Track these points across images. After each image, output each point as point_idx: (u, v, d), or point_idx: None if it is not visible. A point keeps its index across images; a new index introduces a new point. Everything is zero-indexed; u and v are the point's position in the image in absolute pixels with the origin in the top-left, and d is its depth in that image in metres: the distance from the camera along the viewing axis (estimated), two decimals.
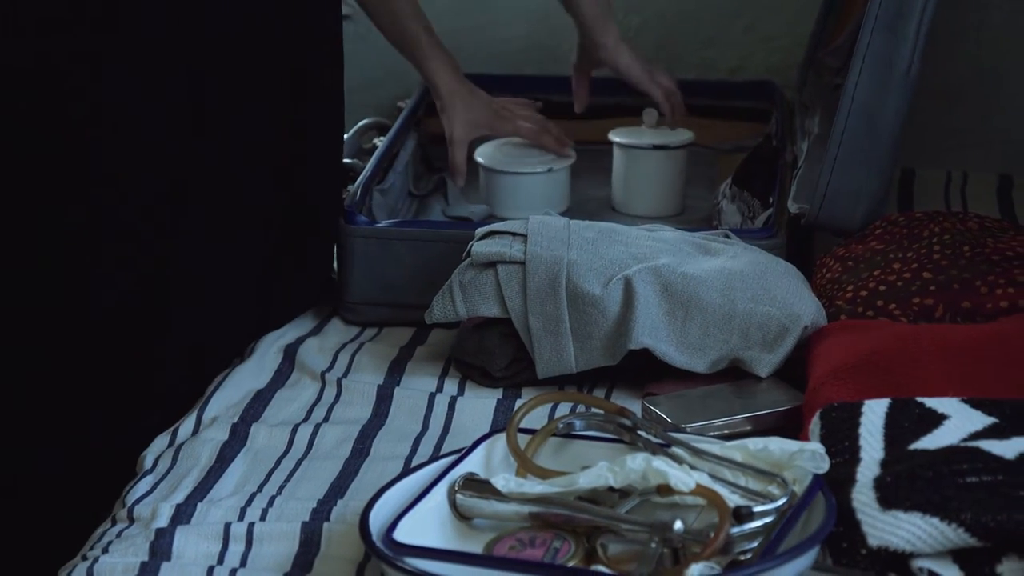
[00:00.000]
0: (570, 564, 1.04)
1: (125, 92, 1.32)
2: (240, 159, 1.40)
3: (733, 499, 1.05)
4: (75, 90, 1.32)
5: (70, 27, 1.30)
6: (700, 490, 1.05)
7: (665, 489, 1.07)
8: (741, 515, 1.02)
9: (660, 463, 1.07)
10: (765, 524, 1.03)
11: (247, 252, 1.44)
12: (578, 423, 1.18)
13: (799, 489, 1.06)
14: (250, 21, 1.37)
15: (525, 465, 1.14)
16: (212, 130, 1.37)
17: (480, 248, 1.40)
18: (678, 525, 1.02)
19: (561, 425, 1.17)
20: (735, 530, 1.02)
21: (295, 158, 1.45)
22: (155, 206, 1.36)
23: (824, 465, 1.07)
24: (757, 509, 1.03)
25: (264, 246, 1.45)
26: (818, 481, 1.06)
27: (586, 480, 1.08)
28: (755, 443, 1.10)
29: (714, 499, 1.04)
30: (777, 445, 1.09)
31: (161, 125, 1.34)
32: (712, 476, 1.08)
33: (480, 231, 1.44)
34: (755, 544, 1.02)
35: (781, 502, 1.04)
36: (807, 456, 1.08)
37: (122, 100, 1.33)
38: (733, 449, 1.10)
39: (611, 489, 1.09)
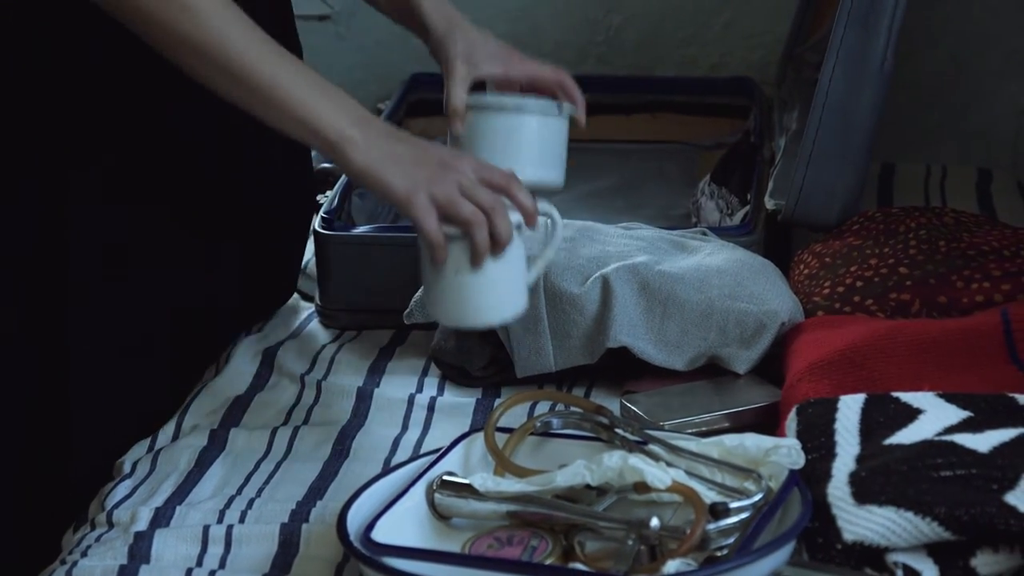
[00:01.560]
0: (547, 562, 1.05)
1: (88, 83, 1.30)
2: (211, 161, 1.39)
3: (709, 495, 1.06)
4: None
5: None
6: (676, 487, 1.06)
7: (642, 486, 1.07)
8: (717, 511, 1.03)
9: (636, 461, 1.07)
10: (741, 520, 1.03)
11: (218, 253, 1.43)
12: (555, 421, 1.18)
13: (775, 485, 1.07)
14: None
15: (503, 464, 1.14)
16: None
17: None
18: (654, 522, 1.02)
19: (538, 424, 1.18)
20: (711, 526, 1.02)
21: (262, 160, 1.44)
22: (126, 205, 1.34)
23: (800, 461, 1.08)
24: (733, 505, 1.03)
25: (234, 249, 1.44)
26: (794, 477, 1.07)
27: (563, 478, 1.09)
28: (731, 439, 1.10)
29: (690, 495, 1.05)
30: (753, 441, 1.10)
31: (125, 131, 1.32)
32: (689, 473, 1.08)
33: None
34: (731, 540, 1.02)
35: (757, 498, 1.05)
36: (783, 452, 1.08)
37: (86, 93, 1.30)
38: (710, 446, 1.11)
39: (588, 487, 1.10)
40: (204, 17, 1.12)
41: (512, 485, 1.10)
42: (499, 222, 1.16)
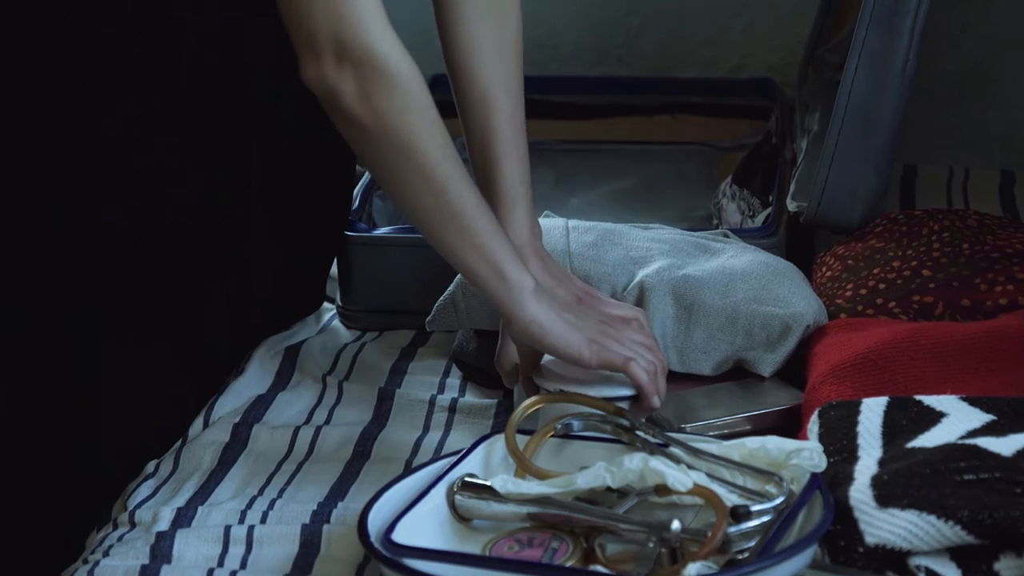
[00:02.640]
0: (568, 564, 1.04)
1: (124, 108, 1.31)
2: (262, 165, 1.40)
3: (731, 498, 1.06)
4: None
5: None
6: (697, 490, 1.05)
7: (663, 489, 1.07)
8: (739, 514, 1.03)
9: (657, 463, 1.07)
10: (762, 523, 1.03)
11: (256, 258, 1.43)
12: (576, 423, 1.18)
13: (797, 488, 1.06)
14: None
15: (523, 466, 1.14)
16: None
17: None
18: (675, 525, 1.02)
19: (559, 425, 1.17)
20: (732, 529, 1.02)
21: (308, 168, 1.45)
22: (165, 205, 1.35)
23: (822, 464, 1.07)
24: (755, 508, 1.03)
25: (272, 254, 1.45)
26: (816, 480, 1.06)
27: (584, 480, 1.08)
28: (753, 442, 1.10)
29: (711, 498, 1.04)
30: (775, 444, 1.09)
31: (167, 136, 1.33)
32: (710, 476, 1.08)
33: None
34: (752, 543, 1.02)
35: (779, 501, 1.04)
36: (805, 455, 1.08)
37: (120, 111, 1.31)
38: (731, 448, 1.10)
39: (609, 489, 1.09)
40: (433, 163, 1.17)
41: (533, 487, 1.10)
42: (659, 355, 1.21)
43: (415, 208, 1.18)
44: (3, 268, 1.33)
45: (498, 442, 1.17)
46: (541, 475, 1.12)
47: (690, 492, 1.05)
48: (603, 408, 1.19)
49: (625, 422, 1.16)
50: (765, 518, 1.03)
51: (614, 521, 1.06)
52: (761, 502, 1.04)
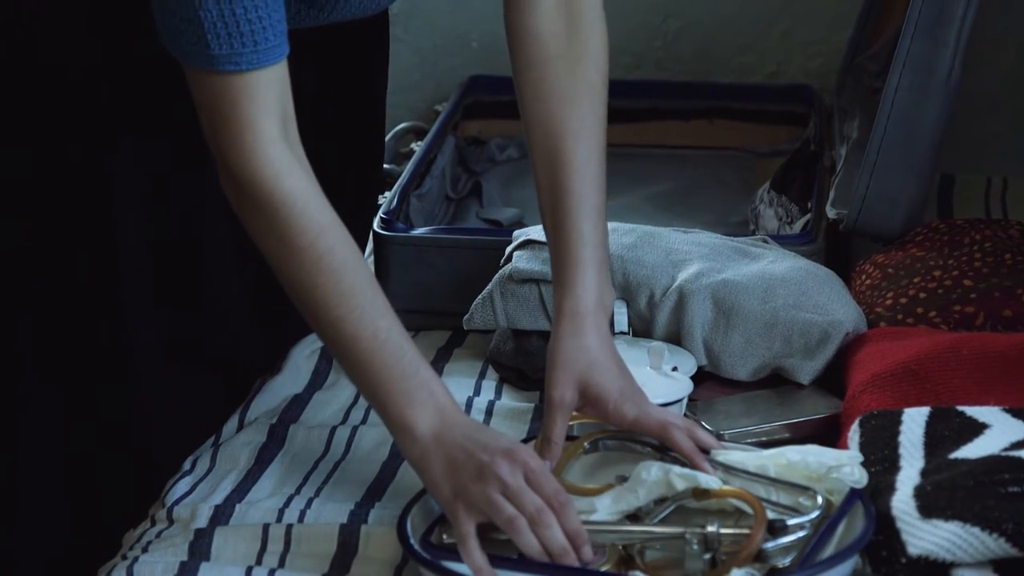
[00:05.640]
0: (603, 569, 1.04)
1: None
2: None
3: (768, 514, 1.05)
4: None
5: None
6: (735, 492, 1.05)
7: (700, 493, 1.06)
8: (775, 529, 1.02)
9: (683, 469, 1.07)
10: (799, 538, 1.02)
11: None
12: (607, 443, 1.17)
13: (837, 500, 1.06)
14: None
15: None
16: None
17: (521, 265, 1.40)
18: (712, 526, 1.02)
19: (587, 445, 1.17)
20: (770, 544, 1.01)
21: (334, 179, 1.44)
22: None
23: (863, 480, 1.07)
24: (791, 522, 1.03)
25: None
26: (856, 492, 1.06)
27: (607, 512, 1.08)
28: (793, 453, 1.09)
29: (748, 499, 1.04)
30: (815, 457, 1.08)
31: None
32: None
33: (517, 237, 1.44)
34: (790, 558, 1.02)
35: (814, 515, 1.04)
36: (846, 471, 1.07)
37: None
38: (770, 458, 1.10)
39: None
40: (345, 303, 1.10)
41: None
42: (542, 531, 1.04)
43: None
44: (29, 278, 1.32)
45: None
46: (573, 490, 1.11)
47: (729, 494, 1.05)
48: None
49: (656, 442, 1.15)
50: (801, 532, 1.02)
51: (647, 536, 1.05)
52: (796, 516, 1.04)
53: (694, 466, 1.10)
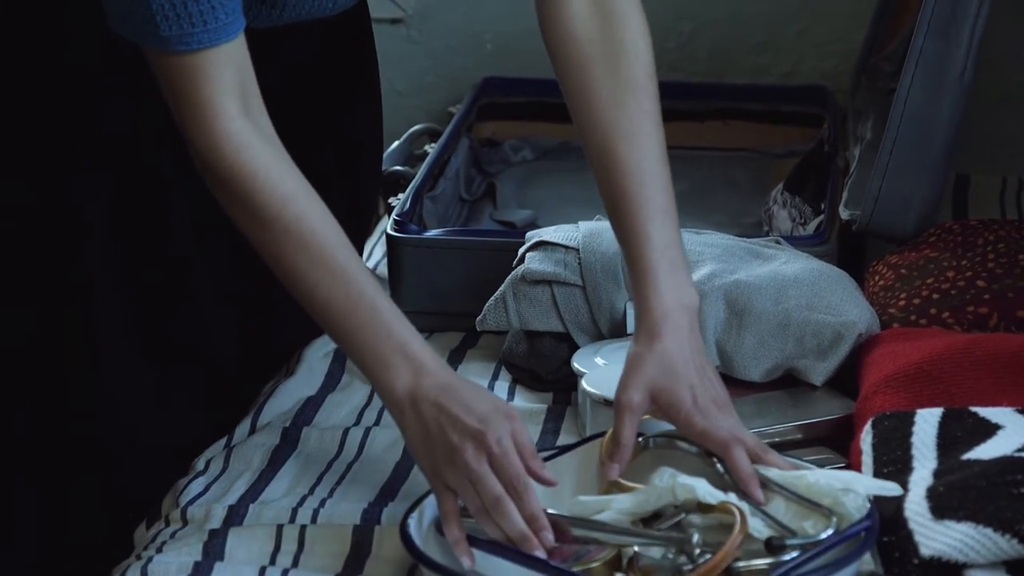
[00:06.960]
0: (597, 563, 1.04)
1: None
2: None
3: (765, 532, 1.05)
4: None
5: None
6: (725, 506, 1.05)
7: (705, 507, 1.07)
8: (772, 546, 1.02)
9: (687, 478, 1.07)
10: (782, 559, 1.01)
11: None
12: (658, 440, 1.17)
13: (843, 526, 1.04)
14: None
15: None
16: None
17: (533, 266, 1.40)
18: (695, 537, 1.02)
19: (641, 441, 1.16)
20: (740, 564, 1.00)
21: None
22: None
23: (861, 510, 1.05)
24: (789, 542, 1.02)
25: None
26: (866, 521, 1.04)
27: (622, 514, 1.08)
28: (812, 476, 1.08)
29: (734, 513, 1.04)
30: (826, 482, 1.07)
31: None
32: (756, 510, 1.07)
33: (529, 238, 1.44)
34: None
35: (819, 538, 1.03)
36: (852, 497, 1.06)
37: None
38: (800, 478, 1.08)
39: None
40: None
41: (572, 506, 1.10)
42: (498, 520, 1.04)
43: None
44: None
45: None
46: (618, 487, 1.12)
47: (722, 509, 1.05)
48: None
49: (695, 448, 1.14)
50: (794, 553, 1.02)
51: (635, 539, 1.06)
52: (798, 538, 1.03)
53: (743, 489, 1.08)
